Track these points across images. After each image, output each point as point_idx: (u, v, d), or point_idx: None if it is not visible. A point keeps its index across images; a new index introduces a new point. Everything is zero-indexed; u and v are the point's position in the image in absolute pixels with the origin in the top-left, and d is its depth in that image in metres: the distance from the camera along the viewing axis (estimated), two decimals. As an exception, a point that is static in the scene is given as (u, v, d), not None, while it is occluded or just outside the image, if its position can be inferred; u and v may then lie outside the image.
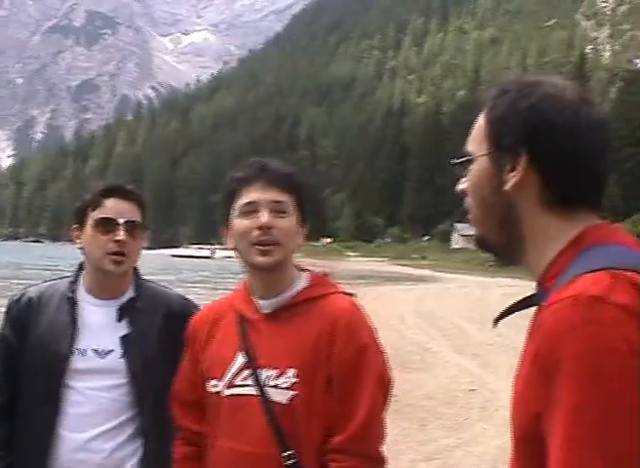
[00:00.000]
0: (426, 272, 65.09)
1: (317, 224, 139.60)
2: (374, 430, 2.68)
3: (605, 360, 1.44)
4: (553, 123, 1.71)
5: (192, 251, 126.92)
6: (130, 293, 3.30)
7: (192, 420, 2.89)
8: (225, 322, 2.86)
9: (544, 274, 1.73)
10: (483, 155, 1.80)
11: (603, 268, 1.54)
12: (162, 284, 3.58)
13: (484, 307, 24.34)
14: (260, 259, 2.72)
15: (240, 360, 2.75)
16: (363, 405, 2.64)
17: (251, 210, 2.74)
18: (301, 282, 2.84)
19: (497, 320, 1.91)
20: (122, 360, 3.16)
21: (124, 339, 3.18)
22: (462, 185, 1.86)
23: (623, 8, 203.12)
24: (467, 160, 1.84)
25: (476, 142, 1.83)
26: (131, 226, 3.20)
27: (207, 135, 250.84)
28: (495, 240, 1.83)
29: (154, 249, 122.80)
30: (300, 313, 2.76)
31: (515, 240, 1.79)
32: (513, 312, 1.86)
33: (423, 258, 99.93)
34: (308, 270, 2.92)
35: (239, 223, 2.76)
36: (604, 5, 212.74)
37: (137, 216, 3.24)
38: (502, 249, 1.84)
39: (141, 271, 3.41)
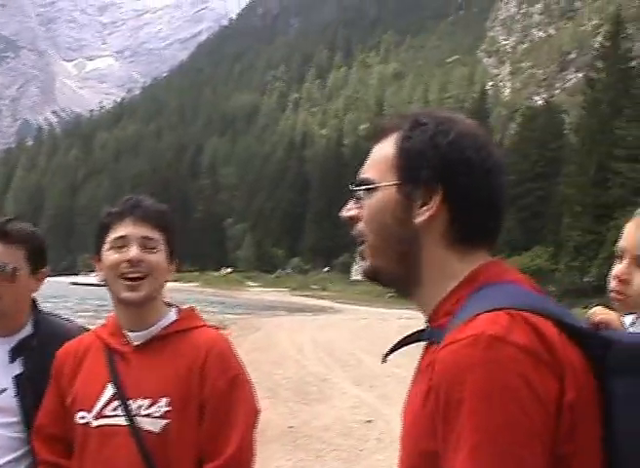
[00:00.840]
0: (327, 303, 65.28)
1: (218, 254, 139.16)
2: (245, 458, 2.72)
3: (504, 398, 1.49)
4: (472, 161, 1.74)
5: (92, 278, 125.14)
6: (27, 329, 3.21)
7: (58, 454, 2.86)
8: (92, 355, 2.89)
9: (437, 310, 1.74)
10: (392, 185, 1.78)
11: (500, 308, 1.57)
12: (63, 316, 3.51)
13: (383, 338, 24.47)
14: (128, 294, 2.77)
15: (109, 391, 2.77)
16: (236, 433, 2.68)
17: (121, 244, 2.79)
18: (171, 315, 2.89)
19: (386, 355, 1.93)
20: (15, 399, 3.08)
21: (17, 378, 3.11)
22: (353, 212, 1.84)
23: (523, 46, 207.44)
24: (369, 190, 1.80)
25: (380, 171, 1.81)
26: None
27: (109, 162, 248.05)
28: (389, 272, 1.81)
29: (52, 276, 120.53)
30: (171, 344, 2.81)
31: (411, 274, 1.78)
32: (402, 347, 1.87)
33: (324, 289, 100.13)
34: (176, 306, 2.98)
35: (109, 256, 2.81)
36: (505, 43, 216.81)
37: None
38: (395, 281, 1.83)
39: (40, 300, 3.34)
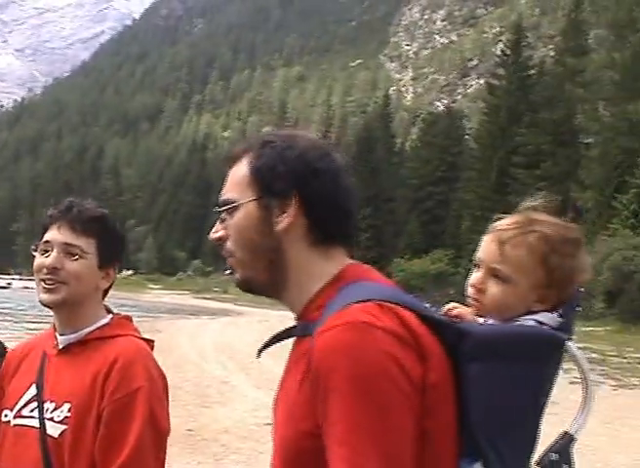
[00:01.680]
0: (228, 306, 65.21)
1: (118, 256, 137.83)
2: None
3: (378, 375, 1.70)
4: (317, 169, 1.95)
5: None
6: None
7: None
8: (32, 356, 2.91)
9: (307, 307, 1.94)
10: (250, 201, 1.97)
11: (369, 300, 1.79)
12: None
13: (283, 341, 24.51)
14: (44, 296, 2.79)
15: (31, 392, 2.78)
16: (127, 447, 2.61)
17: (46, 248, 2.80)
18: (102, 321, 2.87)
19: (260, 351, 2.14)
20: None
21: None
22: (220, 233, 2.02)
23: (426, 52, 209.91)
24: (232, 207, 1.99)
25: (238, 190, 1.99)
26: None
27: (8, 163, 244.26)
28: (260, 281, 2.00)
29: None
30: (89, 351, 2.79)
31: (279, 279, 1.98)
32: (275, 343, 2.08)
33: (225, 292, 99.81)
34: (116, 313, 2.96)
35: (36, 259, 2.82)
36: (407, 48, 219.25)
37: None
38: (266, 288, 2.01)
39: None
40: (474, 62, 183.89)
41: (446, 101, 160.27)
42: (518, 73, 73.29)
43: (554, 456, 1.89)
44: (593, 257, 44.73)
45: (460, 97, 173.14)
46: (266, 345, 2.12)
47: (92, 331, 2.82)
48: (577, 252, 2.07)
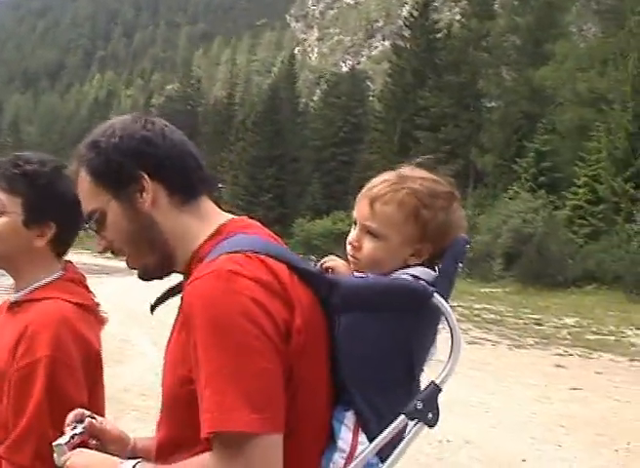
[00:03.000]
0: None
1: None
2: (31, 442, 2.58)
3: (242, 319, 1.77)
4: (146, 137, 2.04)
5: None
6: None
7: None
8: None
9: (190, 261, 2.03)
10: (109, 200, 2.05)
11: (239, 251, 1.88)
12: None
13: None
14: None
15: None
16: (25, 417, 2.56)
17: None
18: (40, 283, 2.79)
19: (153, 307, 2.24)
20: None
21: None
22: (103, 244, 2.12)
23: (332, 12, 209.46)
24: (100, 216, 2.06)
25: (94, 199, 2.07)
26: None
27: None
28: (153, 264, 2.08)
29: None
30: (21, 312, 2.72)
31: (166, 252, 2.06)
32: (167, 298, 2.20)
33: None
34: (67, 271, 2.89)
35: None
36: (313, 8, 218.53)
37: None
38: (162, 267, 2.09)
39: None
40: (379, 24, 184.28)
41: (351, 62, 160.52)
42: (424, 36, 73.48)
43: (419, 405, 1.94)
44: (493, 220, 45.46)
45: (364, 58, 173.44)
46: (158, 301, 2.22)
47: (26, 294, 2.77)
48: (449, 205, 2.11)
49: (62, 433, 2.16)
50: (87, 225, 2.11)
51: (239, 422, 1.73)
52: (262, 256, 1.88)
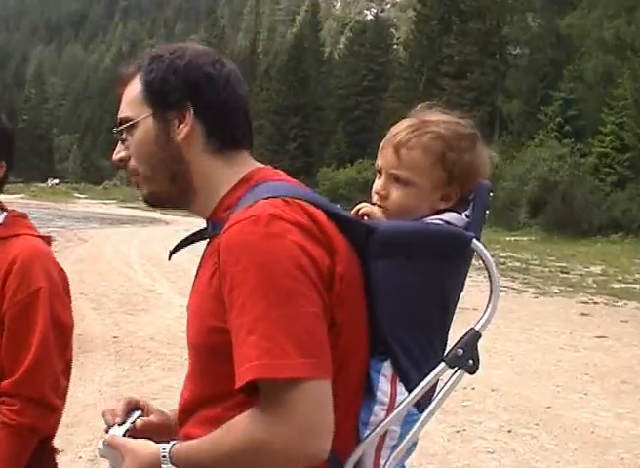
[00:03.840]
0: (156, 215, 64.86)
1: (44, 165, 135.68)
2: (43, 373, 2.63)
3: (283, 263, 1.74)
4: (210, 75, 2.00)
5: None
6: None
7: None
8: None
9: (216, 209, 2.00)
10: (147, 116, 2.01)
11: (276, 196, 1.84)
12: None
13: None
14: None
15: None
16: (31, 349, 2.59)
17: None
18: None
19: (171, 253, 2.21)
20: None
21: None
22: (122, 153, 2.06)
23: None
24: (130, 126, 2.03)
25: (134, 108, 2.03)
26: None
27: None
28: (166, 193, 2.05)
29: None
30: None
31: (185, 189, 2.03)
32: (187, 245, 2.19)
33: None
34: (10, 210, 2.89)
35: None
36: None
37: None
38: (173, 199, 2.07)
39: None
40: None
41: (375, 10, 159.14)
42: (449, -18, 72.71)
43: (460, 352, 1.94)
44: (519, 168, 45.19)
45: (388, 5, 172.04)
46: (177, 247, 2.19)
47: None
48: (473, 146, 2.10)
49: (113, 424, 2.08)
50: (115, 130, 2.06)
51: (292, 368, 1.70)
52: (301, 202, 1.85)
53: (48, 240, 2.87)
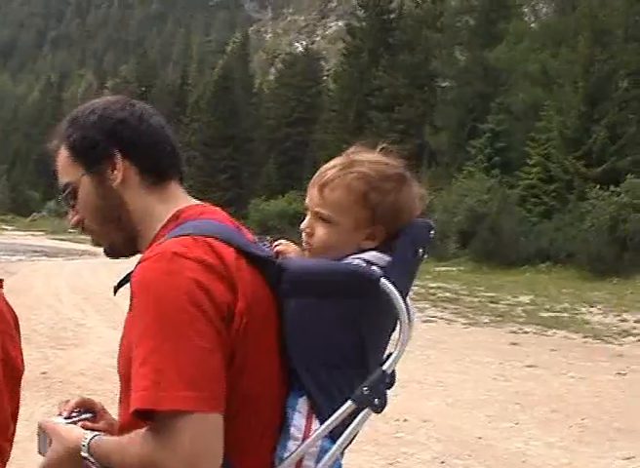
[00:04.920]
0: (84, 247, 64.30)
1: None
2: None
3: (178, 299, 1.83)
4: (123, 119, 2.14)
5: None
6: None
7: None
8: None
9: (150, 245, 2.07)
10: (82, 175, 2.15)
11: (187, 234, 1.95)
12: None
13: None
14: None
15: None
16: None
17: None
18: None
19: (116, 288, 2.29)
20: None
21: None
22: (75, 218, 2.21)
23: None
24: (72, 190, 2.17)
25: (69, 173, 2.18)
26: None
27: None
28: (119, 242, 2.18)
29: None
30: None
31: (132, 232, 2.15)
32: (126, 282, 2.18)
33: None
34: None
35: None
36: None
37: None
38: (127, 246, 2.19)
39: None
40: (333, 4, 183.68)
41: (305, 42, 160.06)
42: (379, 16, 73.29)
43: (366, 391, 1.99)
44: (449, 199, 45.62)
45: (318, 38, 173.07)
46: (121, 283, 2.24)
47: None
48: (399, 187, 2.15)
49: (59, 415, 2.22)
50: (60, 198, 2.21)
51: (175, 400, 1.77)
52: (210, 239, 1.93)
53: None
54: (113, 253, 2.23)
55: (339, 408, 1.98)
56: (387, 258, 2.06)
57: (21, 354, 2.72)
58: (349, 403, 1.98)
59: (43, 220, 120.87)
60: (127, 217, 2.14)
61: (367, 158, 2.15)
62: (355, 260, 2.04)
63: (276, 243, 2.17)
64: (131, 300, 1.94)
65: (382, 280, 1.97)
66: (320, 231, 2.11)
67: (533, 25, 59.69)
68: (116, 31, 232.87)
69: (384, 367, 2.02)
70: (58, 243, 76.08)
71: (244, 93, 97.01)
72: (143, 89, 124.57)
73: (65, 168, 2.18)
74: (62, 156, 2.19)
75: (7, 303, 2.74)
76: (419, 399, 10.78)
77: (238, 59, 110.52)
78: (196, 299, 1.83)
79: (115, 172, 2.12)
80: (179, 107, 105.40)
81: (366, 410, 2.00)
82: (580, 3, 49.47)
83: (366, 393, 1.98)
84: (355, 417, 2.01)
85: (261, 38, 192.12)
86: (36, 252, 57.25)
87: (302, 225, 2.15)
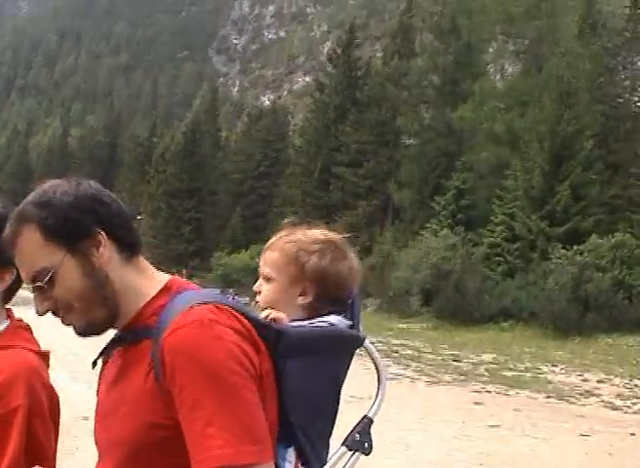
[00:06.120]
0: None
1: None
2: None
3: (227, 362, 1.95)
4: (95, 196, 2.15)
5: None
6: None
7: None
8: None
9: (138, 317, 2.15)
10: (65, 257, 2.10)
11: (207, 302, 2.05)
12: None
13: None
14: None
15: None
16: (3, 462, 2.48)
17: None
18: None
19: (95, 361, 2.32)
20: None
21: None
22: (47, 305, 2.12)
23: (254, 46, 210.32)
24: (50, 277, 2.09)
25: (45, 257, 2.10)
26: None
27: None
28: (100, 318, 2.15)
29: None
30: None
31: (114, 307, 2.15)
32: (107, 353, 2.27)
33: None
34: (17, 319, 2.86)
35: None
36: (236, 42, 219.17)
37: None
38: (106, 321, 2.17)
39: None
40: (301, 59, 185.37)
41: (272, 97, 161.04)
42: (346, 72, 73.91)
43: (357, 436, 2.26)
44: (412, 256, 45.74)
45: (285, 92, 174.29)
46: (100, 356, 2.32)
47: None
48: (325, 250, 2.42)
49: None
50: (38, 285, 2.10)
51: (248, 455, 1.91)
52: (228, 307, 2.07)
53: (45, 356, 2.78)
54: (90, 331, 2.18)
55: (320, 456, 2.20)
56: (347, 322, 2.34)
57: (52, 435, 2.65)
58: (343, 448, 2.24)
59: None
60: (112, 294, 2.14)
61: (307, 228, 2.50)
62: (323, 323, 2.29)
63: (267, 311, 2.33)
64: (163, 367, 1.99)
65: (366, 341, 2.33)
66: (264, 289, 2.42)
67: (498, 85, 60.37)
68: (84, 81, 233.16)
69: (370, 414, 2.32)
70: (22, 291, 75.36)
71: (211, 145, 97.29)
72: (110, 139, 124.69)
73: (40, 252, 2.11)
74: (33, 242, 2.11)
75: (45, 382, 2.68)
76: (382, 458, 10.68)
77: (205, 112, 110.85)
78: (241, 361, 1.98)
79: (101, 249, 2.12)
80: (145, 159, 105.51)
81: (357, 454, 2.25)
82: (547, 64, 50.19)
83: (357, 438, 2.25)
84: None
85: (229, 91, 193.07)
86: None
87: (255, 287, 2.45)
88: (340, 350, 2.29)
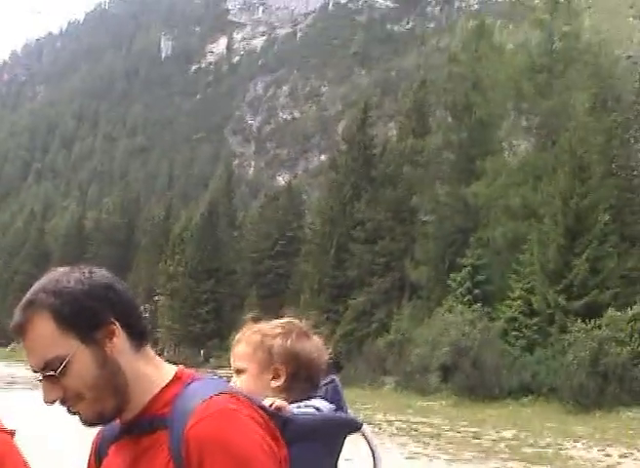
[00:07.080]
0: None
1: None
2: None
3: (255, 453, 2.01)
4: (109, 285, 2.14)
5: None
6: None
7: None
8: None
9: (150, 406, 2.14)
10: (79, 346, 2.08)
11: (223, 392, 2.09)
12: None
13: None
14: None
15: None
16: None
17: None
18: None
19: (98, 452, 2.34)
20: None
21: None
22: (55, 394, 2.09)
23: (269, 127, 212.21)
24: (65, 364, 2.06)
25: (58, 346, 2.06)
26: None
27: None
28: (110, 408, 2.13)
29: None
30: None
31: (124, 397, 2.13)
32: (115, 441, 2.25)
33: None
34: None
35: None
36: (251, 123, 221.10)
37: None
38: (115, 412, 2.15)
39: None
40: (316, 139, 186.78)
41: (287, 176, 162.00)
42: (362, 151, 74.12)
43: None
44: (429, 332, 45.55)
45: (300, 171, 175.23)
46: (104, 444, 2.32)
47: None
48: (288, 333, 2.57)
49: None
50: (50, 373, 2.07)
51: None
52: (241, 396, 2.12)
53: (10, 434, 2.79)
54: (97, 421, 2.15)
55: None
56: (330, 406, 2.45)
57: None
58: None
59: (23, 350, 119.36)
60: (124, 384, 2.12)
61: (266, 322, 2.65)
62: (310, 409, 2.41)
63: (269, 402, 2.33)
64: (187, 458, 2.01)
65: (364, 426, 2.46)
66: (238, 381, 2.52)
67: (511, 161, 60.49)
68: (101, 163, 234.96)
69: None
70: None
71: (227, 226, 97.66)
72: (127, 221, 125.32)
73: (52, 342, 2.07)
74: (45, 330, 2.07)
75: (15, 458, 2.69)
76: None
77: (221, 193, 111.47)
78: (266, 449, 2.04)
79: (114, 339, 2.11)
80: (162, 239, 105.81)
81: None
82: (559, 139, 50.39)
83: None
84: None
85: (245, 172, 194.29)
86: (17, 382, 56.48)
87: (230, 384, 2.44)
88: (340, 435, 2.40)
